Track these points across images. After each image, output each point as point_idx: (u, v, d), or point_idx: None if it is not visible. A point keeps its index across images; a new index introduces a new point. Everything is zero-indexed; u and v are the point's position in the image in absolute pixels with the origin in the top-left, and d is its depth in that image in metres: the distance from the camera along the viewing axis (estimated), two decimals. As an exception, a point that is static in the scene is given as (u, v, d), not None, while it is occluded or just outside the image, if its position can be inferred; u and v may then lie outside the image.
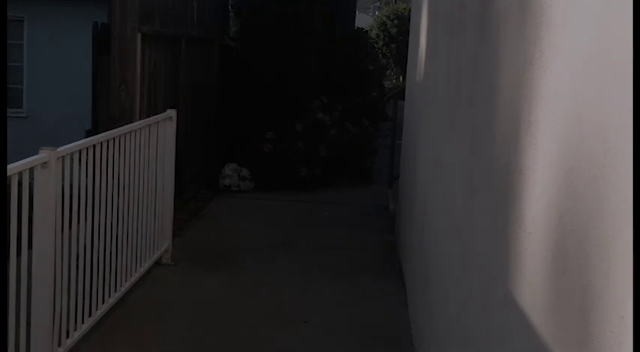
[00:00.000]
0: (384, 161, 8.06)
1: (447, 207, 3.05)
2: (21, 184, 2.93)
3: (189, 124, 6.49)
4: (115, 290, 4.06)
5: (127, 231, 4.19)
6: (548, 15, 1.62)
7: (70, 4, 9.64)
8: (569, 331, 1.33)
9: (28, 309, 3.02)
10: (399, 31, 18.63)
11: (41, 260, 3.08)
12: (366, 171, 8.32)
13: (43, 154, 3.07)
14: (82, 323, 3.62)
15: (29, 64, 10.19)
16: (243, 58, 7.80)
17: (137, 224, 4.35)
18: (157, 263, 4.82)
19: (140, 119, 4.95)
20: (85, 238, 3.60)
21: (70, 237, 3.40)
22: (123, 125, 4.25)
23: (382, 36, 19.47)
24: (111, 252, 3.95)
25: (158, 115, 4.73)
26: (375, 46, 16.93)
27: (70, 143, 3.42)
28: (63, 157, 3.27)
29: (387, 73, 18.01)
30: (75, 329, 3.54)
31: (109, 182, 3.86)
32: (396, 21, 19.56)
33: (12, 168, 2.82)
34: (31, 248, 3.06)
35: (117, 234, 4.02)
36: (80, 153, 3.50)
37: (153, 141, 4.54)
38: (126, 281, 4.22)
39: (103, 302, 3.88)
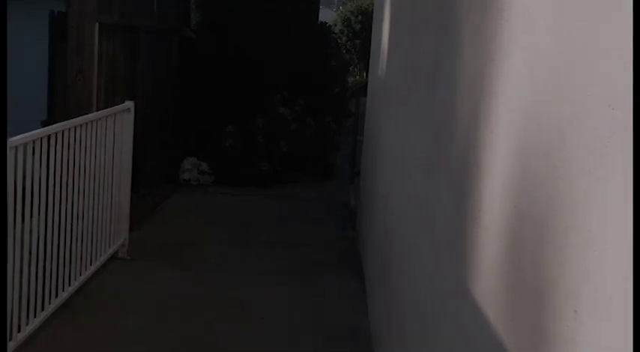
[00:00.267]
0: (346, 157, 8.06)
1: (407, 202, 3.05)
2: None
3: (148, 117, 6.39)
4: (70, 284, 3.98)
5: (82, 224, 4.11)
6: (508, 10, 1.62)
7: (26, -8, 9.40)
8: (524, 324, 1.33)
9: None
10: (363, 27, 18.67)
11: (-9, 253, 2.99)
12: (328, 166, 8.31)
13: (-5, 144, 2.98)
14: (35, 317, 3.54)
15: (-17, 53, 9.90)
16: (204, 50, 7.71)
17: (93, 217, 4.27)
18: (113, 257, 4.74)
19: (97, 110, 4.86)
20: (38, 231, 3.52)
21: (22, 231, 3.31)
22: (79, 116, 4.16)
23: (346, 31, 19.49)
24: (65, 246, 3.87)
25: (115, 107, 4.65)
26: (339, 41, 16.93)
27: (25, 133, 3.34)
28: (16, 148, 3.18)
29: (351, 68, 18.03)
30: (27, 324, 3.46)
31: (64, 174, 3.77)
32: (360, 17, 19.59)
33: (-39, 157, 2.73)
34: (-19, 240, 2.97)
35: (71, 228, 3.94)
36: (34, 144, 3.42)
37: (110, 133, 4.45)
38: (80, 275, 4.14)
39: (57, 296, 3.80)
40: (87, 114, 4.39)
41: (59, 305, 3.83)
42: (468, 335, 1.74)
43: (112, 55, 5.54)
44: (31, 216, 3.42)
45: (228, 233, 5.71)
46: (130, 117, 4.75)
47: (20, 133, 3.28)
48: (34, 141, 3.41)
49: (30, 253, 3.43)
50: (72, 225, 3.94)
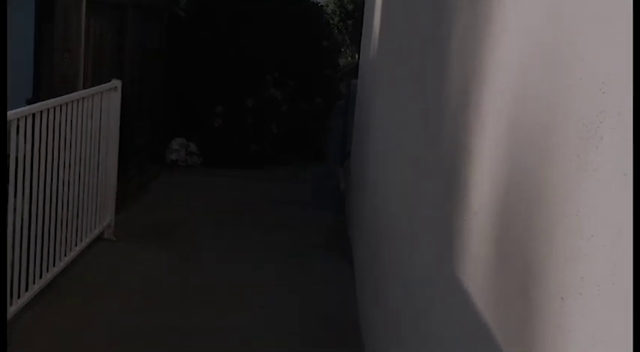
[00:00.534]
0: (337, 139, 8.02)
1: (397, 186, 3.03)
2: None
3: (136, 96, 6.32)
4: (54, 265, 3.95)
5: (67, 204, 4.07)
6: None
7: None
8: (511, 311, 1.32)
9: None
10: (356, 6, 18.49)
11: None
12: (318, 149, 8.28)
13: (-22, 122, 2.93)
14: (19, 297, 3.50)
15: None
16: (194, 29, 7.62)
17: (78, 197, 4.22)
18: (99, 238, 4.70)
19: (84, 89, 4.79)
20: (22, 211, 3.47)
21: (6, 210, 3.26)
22: (65, 94, 4.10)
23: (338, 12, 19.31)
24: (50, 226, 3.83)
25: (102, 85, 4.58)
26: (331, 21, 16.79)
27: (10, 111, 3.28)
28: None
29: (343, 49, 17.89)
30: (11, 304, 3.42)
31: (49, 153, 3.72)
32: (353, -4, 19.41)
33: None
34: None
35: (56, 208, 3.89)
36: (18, 122, 3.36)
37: (96, 111, 4.39)
38: (65, 255, 4.10)
39: (41, 277, 3.77)
40: (73, 92, 4.33)
41: (43, 286, 3.79)
42: (455, 320, 1.72)
43: (99, 32, 5.46)
44: (15, 196, 3.37)
45: (215, 215, 5.67)
46: (116, 96, 4.69)
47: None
48: (18, 120, 3.35)
49: (14, 233, 3.38)
50: (56, 205, 3.90)
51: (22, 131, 3.39)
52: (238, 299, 4.08)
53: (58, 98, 3.90)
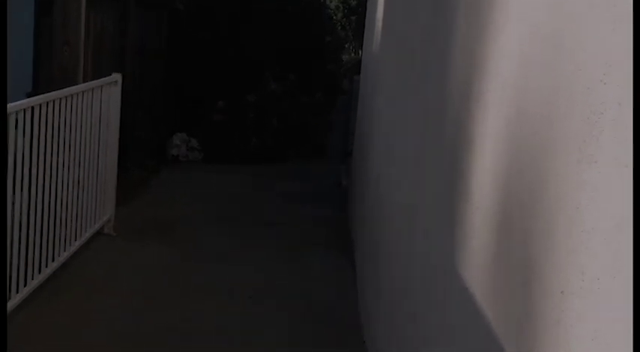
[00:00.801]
0: (339, 135, 8.00)
1: (398, 181, 3.01)
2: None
3: (137, 90, 6.30)
4: (53, 260, 3.93)
5: (67, 198, 4.05)
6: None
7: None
8: (511, 304, 1.30)
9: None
10: (359, 3, 18.43)
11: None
12: (320, 145, 8.25)
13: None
14: (17, 292, 3.49)
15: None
16: (194, 23, 7.59)
17: (78, 192, 4.20)
18: (99, 233, 4.68)
19: (84, 82, 4.77)
20: (21, 205, 3.45)
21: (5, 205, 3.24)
22: (65, 88, 4.07)
23: (342, 7, 19.24)
24: (49, 221, 3.81)
25: (102, 79, 4.56)
26: (334, 17, 16.72)
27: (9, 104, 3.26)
28: (-3, 119, 3.10)
29: (346, 46, 17.82)
30: (9, 298, 3.41)
31: (49, 147, 3.70)
32: (357, -9, 19.35)
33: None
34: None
35: (56, 203, 3.88)
36: (17, 116, 3.34)
37: (96, 105, 4.37)
38: (65, 250, 4.08)
39: (40, 272, 3.75)
40: (73, 85, 4.31)
41: (42, 281, 3.77)
42: (456, 314, 1.71)
43: (100, 26, 5.44)
44: (14, 191, 3.35)
45: (215, 211, 5.65)
46: (117, 90, 4.67)
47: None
48: (16, 113, 3.33)
49: (12, 228, 3.36)
50: (56, 200, 3.88)
51: (21, 124, 3.37)
52: (238, 296, 4.06)
53: (57, 91, 3.88)
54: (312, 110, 8.13)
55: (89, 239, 4.48)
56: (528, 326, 1.19)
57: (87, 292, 3.90)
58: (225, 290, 4.10)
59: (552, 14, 1.24)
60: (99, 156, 4.50)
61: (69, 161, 4.01)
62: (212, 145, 7.39)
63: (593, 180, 0.99)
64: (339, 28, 16.74)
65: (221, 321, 3.70)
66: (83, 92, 4.16)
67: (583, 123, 1.04)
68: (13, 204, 3.36)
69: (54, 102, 3.73)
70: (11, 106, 3.25)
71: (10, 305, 3.41)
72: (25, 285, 3.56)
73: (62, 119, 3.85)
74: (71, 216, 4.13)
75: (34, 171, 3.54)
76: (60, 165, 3.88)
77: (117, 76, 4.66)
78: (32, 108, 3.49)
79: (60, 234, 3.98)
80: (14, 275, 3.44)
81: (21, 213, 3.46)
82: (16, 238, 3.41)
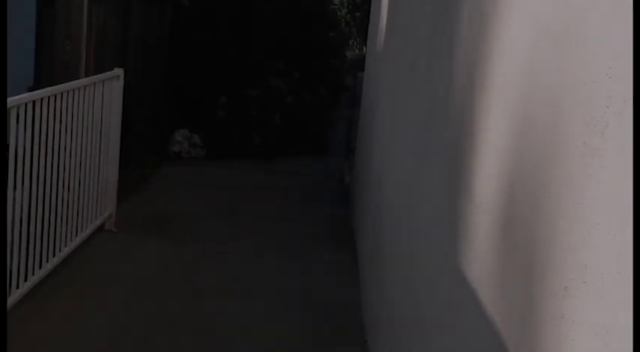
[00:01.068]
0: (342, 132, 7.98)
1: (400, 178, 3.00)
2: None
3: (139, 85, 6.28)
4: (54, 256, 3.92)
5: (68, 194, 4.03)
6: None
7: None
8: (514, 301, 1.29)
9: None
10: (364, -1, 18.39)
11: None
12: (323, 141, 8.23)
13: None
14: (17, 288, 3.48)
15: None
16: (197, 18, 7.56)
17: (79, 188, 4.19)
18: (100, 229, 4.67)
19: (86, 77, 4.75)
20: (22, 201, 3.44)
21: (5, 200, 3.23)
22: (66, 82, 4.06)
23: (346, 4, 19.20)
24: (50, 216, 3.80)
25: (104, 74, 4.54)
26: (339, 13, 16.68)
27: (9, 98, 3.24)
28: (-2, 113, 3.09)
29: (350, 42, 17.76)
30: (9, 295, 3.40)
31: (50, 141, 3.69)
32: (361, -13, 19.31)
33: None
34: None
35: (57, 198, 3.86)
36: (18, 110, 3.33)
37: (98, 100, 4.36)
38: (65, 246, 4.07)
39: (41, 268, 3.74)
40: (74, 80, 4.29)
41: (43, 277, 3.76)
42: (458, 311, 1.70)
43: (102, 19, 5.42)
44: (15, 186, 3.34)
45: (217, 207, 5.64)
46: (119, 85, 4.65)
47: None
48: (17, 107, 3.31)
49: (13, 223, 3.35)
50: (57, 195, 3.87)
51: (22, 119, 3.35)
52: (239, 292, 4.05)
53: (59, 86, 3.87)
54: (315, 107, 8.11)
55: (90, 235, 4.47)
56: (531, 321, 1.18)
57: (88, 288, 3.89)
58: (226, 286, 4.09)
59: (556, 9, 1.23)
60: (100, 151, 4.49)
61: (70, 156, 3.99)
62: (214, 142, 7.37)
63: (598, 175, 0.98)
64: (344, 24, 16.68)
65: (222, 317, 3.69)
66: (85, 86, 4.14)
67: (588, 118, 1.02)
68: (14, 199, 3.35)
69: (55, 96, 3.72)
70: (12, 100, 3.24)
71: (11, 300, 3.40)
72: (25, 280, 3.55)
73: (64, 114, 3.84)
74: (72, 212, 4.12)
75: (34, 165, 3.53)
76: (61, 160, 3.87)
77: (119, 71, 4.64)
78: (33, 102, 3.48)
79: (61, 230, 3.97)
80: (15, 270, 3.43)
81: (22, 209, 3.45)
82: (16, 233, 3.40)
